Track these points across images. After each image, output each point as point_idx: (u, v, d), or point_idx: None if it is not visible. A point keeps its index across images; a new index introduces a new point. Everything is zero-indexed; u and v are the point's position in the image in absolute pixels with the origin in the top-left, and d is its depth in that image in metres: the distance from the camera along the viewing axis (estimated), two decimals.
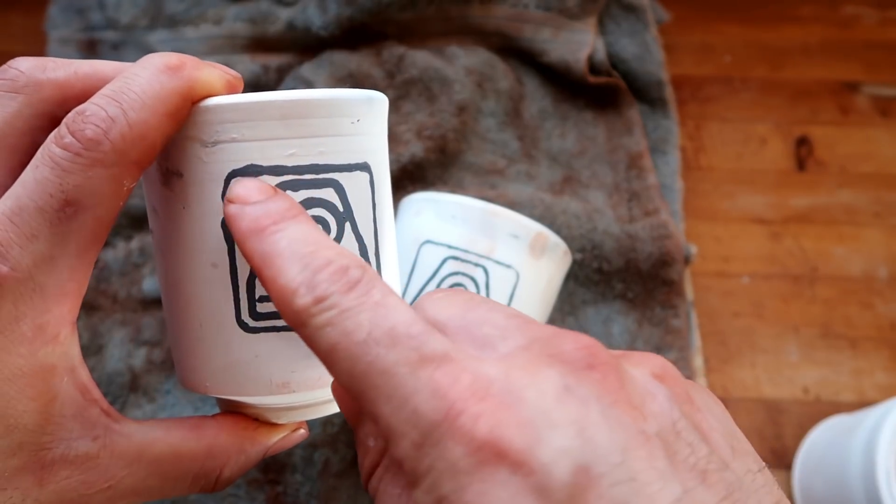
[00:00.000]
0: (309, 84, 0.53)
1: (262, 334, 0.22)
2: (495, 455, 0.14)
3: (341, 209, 0.22)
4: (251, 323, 0.22)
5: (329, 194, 0.22)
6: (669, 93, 0.56)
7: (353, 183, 0.23)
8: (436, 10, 0.55)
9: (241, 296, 0.22)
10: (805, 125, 0.59)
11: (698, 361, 0.48)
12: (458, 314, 0.19)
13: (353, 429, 0.20)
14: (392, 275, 0.25)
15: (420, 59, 0.54)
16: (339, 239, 0.23)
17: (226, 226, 0.21)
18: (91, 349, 0.45)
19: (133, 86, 0.20)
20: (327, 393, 0.23)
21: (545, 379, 0.16)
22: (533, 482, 0.14)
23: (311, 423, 0.43)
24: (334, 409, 0.24)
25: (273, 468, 0.43)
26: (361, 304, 0.17)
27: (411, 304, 0.36)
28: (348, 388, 0.17)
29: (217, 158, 0.21)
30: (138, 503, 0.22)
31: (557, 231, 0.48)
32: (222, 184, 0.21)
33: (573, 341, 0.17)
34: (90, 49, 0.54)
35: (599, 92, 0.55)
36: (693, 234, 0.54)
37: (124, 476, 0.20)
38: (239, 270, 0.22)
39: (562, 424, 0.15)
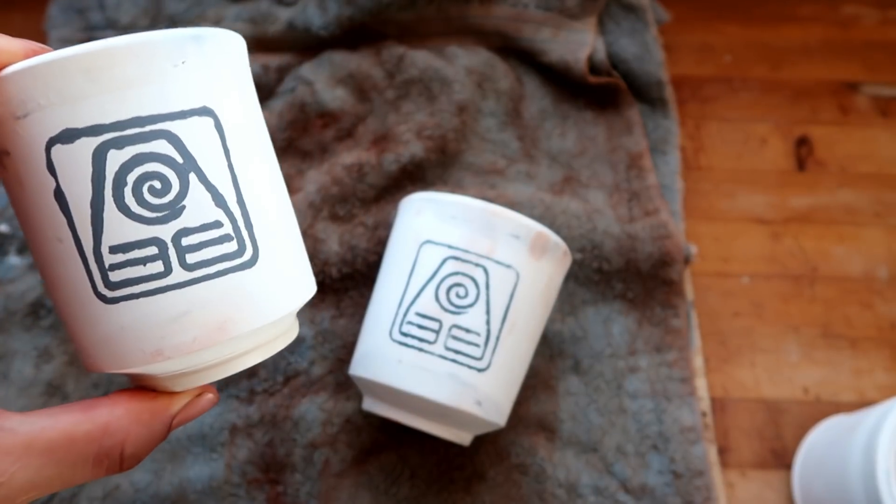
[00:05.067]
0: (310, 85, 0.53)
1: (121, 303, 0.21)
2: None
3: (180, 160, 0.21)
4: (108, 294, 0.21)
5: (161, 146, 0.21)
6: (669, 93, 0.56)
7: (191, 130, 0.21)
8: (436, 10, 0.55)
9: (91, 267, 0.21)
10: (805, 125, 0.59)
11: (698, 361, 0.48)
12: None
13: None
14: (273, 221, 0.23)
15: (420, 59, 0.54)
16: (183, 192, 0.21)
17: (60, 197, 0.20)
18: None
19: None
20: (223, 352, 0.23)
21: None
22: None
23: (310, 424, 0.43)
24: (234, 369, 0.24)
25: (273, 468, 0.43)
26: None
27: (411, 304, 0.36)
28: None
29: (31, 130, 0.20)
30: (42, 495, 0.21)
31: (557, 231, 0.48)
32: (44, 155, 0.20)
33: None
34: None
35: (599, 92, 0.55)
36: (693, 234, 0.54)
37: (15, 471, 0.20)
38: (83, 241, 0.21)
39: None
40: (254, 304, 0.22)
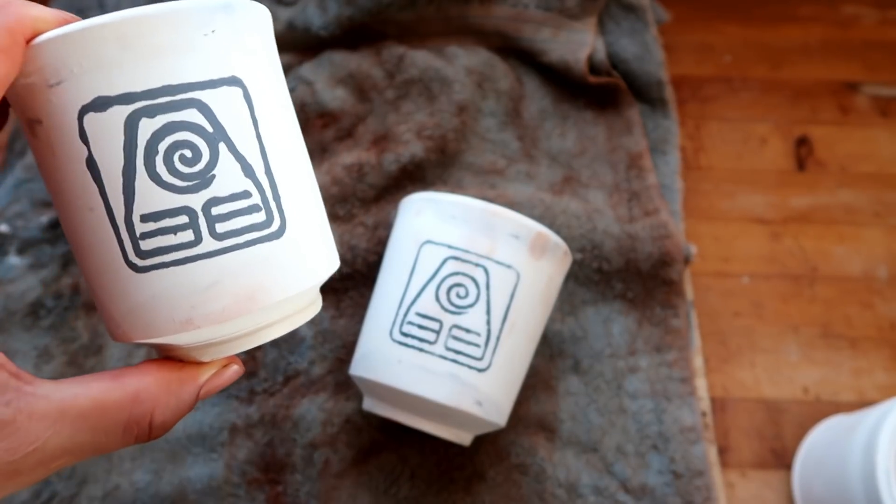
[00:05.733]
0: (310, 85, 0.53)
1: (152, 272, 0.21)
2: None
3: (210, 129, 0.21)
4: (139, 262, 0.21)
5: (192, 115, 0.21)
6: (669, 93, 0.56)
7: (221, 100, 0.21)
8: (436, 10, 0.55)
9: (122, 236, 0.21)
10: (805, 125, 0.59)
11: (698, 361, 0.48)
12: None
13: None
14: (299, 193, 0.24)
15: (420, 59, 0.54)
16: (213, 162, 0.21)
17: (92, 166, 0.21)
18: (91, 349, 0.45)
19: None
20: (251, 322, 0.23)
21: None
22: None
23: (310, 424, 0.43)
24: (260, 340, 0.24)
25: (273, 468, 0.43)
26: None
27: (412, 304, 0.36)
28: None
29: (64, 97, 0.20)
30: (73, 462, 0.21)
31: (557, 231, 0.48)
32: (76, 123, 0.20)
33: None
34: None
35: (599, 92, 0.55)
36: (693, 234, 0.54)
37: (49, 436, 0.20)
38: (114, 210, 0.21)
39: None
40: (282, 274, 0.23)
